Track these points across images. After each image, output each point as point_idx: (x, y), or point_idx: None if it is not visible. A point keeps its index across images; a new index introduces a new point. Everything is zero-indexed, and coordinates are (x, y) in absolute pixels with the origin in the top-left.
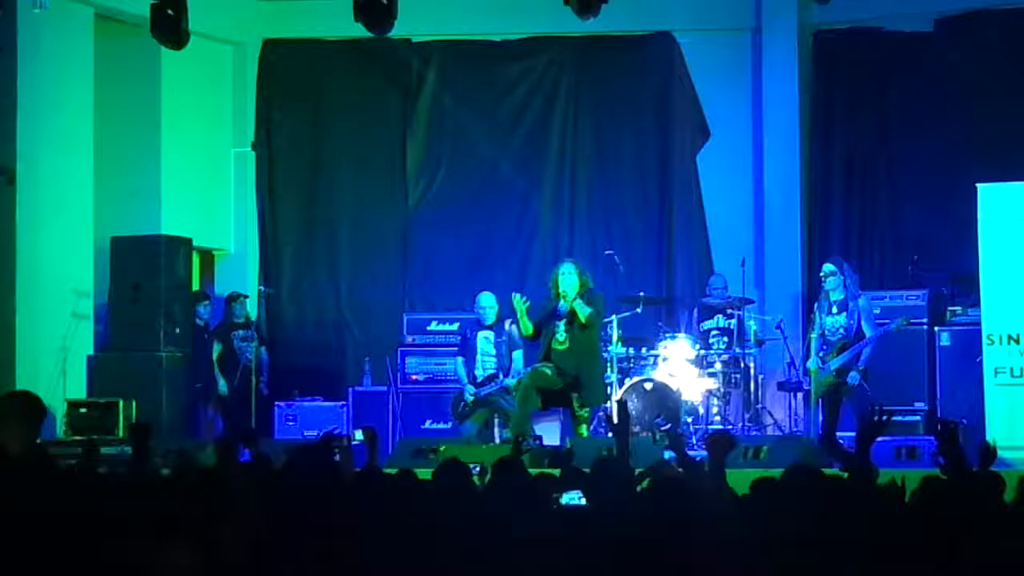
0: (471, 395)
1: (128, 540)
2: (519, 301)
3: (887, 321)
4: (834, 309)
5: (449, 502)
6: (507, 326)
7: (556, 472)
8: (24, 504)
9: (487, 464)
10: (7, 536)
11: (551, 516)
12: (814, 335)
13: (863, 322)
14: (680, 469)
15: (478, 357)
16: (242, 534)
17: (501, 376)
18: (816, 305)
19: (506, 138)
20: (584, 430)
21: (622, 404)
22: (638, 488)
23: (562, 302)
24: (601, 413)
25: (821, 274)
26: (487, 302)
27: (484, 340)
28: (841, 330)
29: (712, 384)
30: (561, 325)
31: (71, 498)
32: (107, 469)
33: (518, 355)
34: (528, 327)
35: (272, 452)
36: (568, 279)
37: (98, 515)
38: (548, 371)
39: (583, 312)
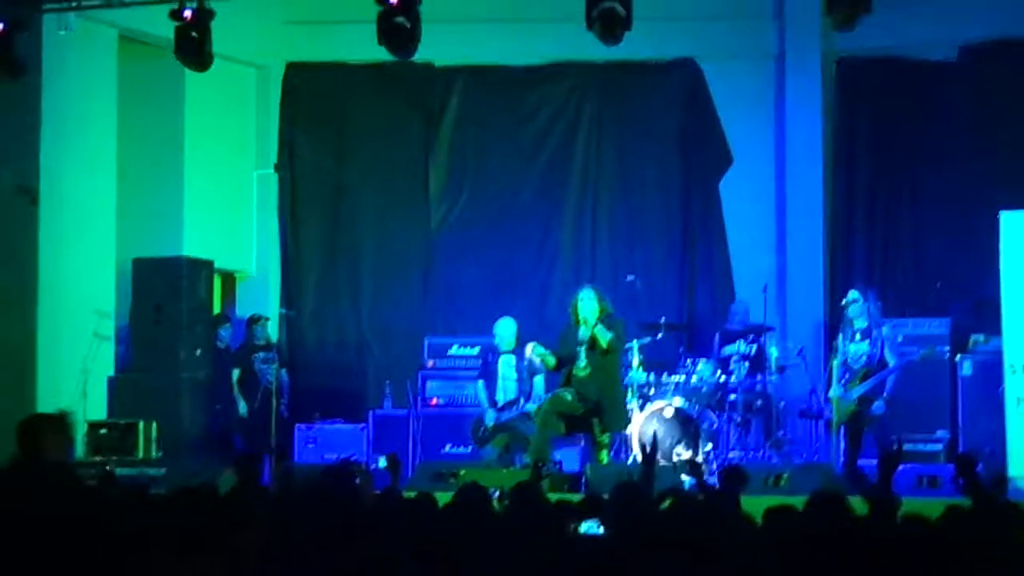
0: (492, 420)
1: (151, 554)
2: (536, 351)
3: (914, 349)
4: (857, 336)
5: (468, 526)
6: (528, 351)
7: (574, 497)
8: (49, 514)
9: (507, 489)
10: (31, 545)
11: (568, 543)
12: (836, 362)
13: (886, 351)
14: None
15: (499, 381)
16: (261, 553)
17: (522, 401)
18: (839, 332)
19: (528, 163)
20: (605, 456)
21: (652, 436)
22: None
23: (583, 328)
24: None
25: (844, 301)
26: (504, 331)
27: (505, 364)
28: (864, 358)
29: (732, 411)
30: (582, 351)
31: (96, 511)
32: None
33: (539, 380)
34: (552, 362)
35: (292, 474)
36: (588, 304)
37: (120, 529)
38: (569, 396)
39: (604, 338)
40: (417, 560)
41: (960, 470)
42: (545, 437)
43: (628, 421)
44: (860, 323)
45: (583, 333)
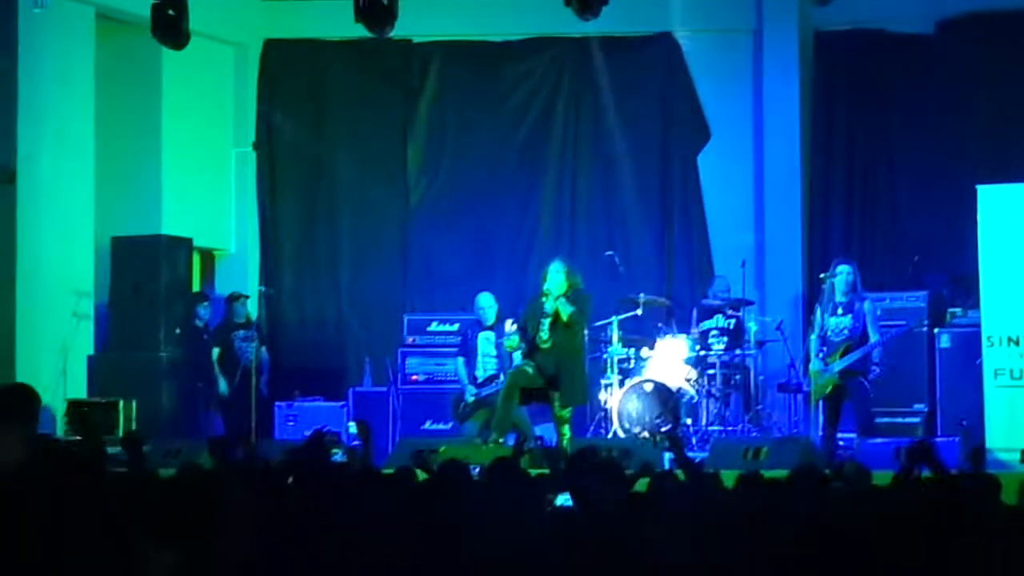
0: (472, 395)
1: (125, 538)
2: (509, 343)
3: (901, 323)
4: (839, 311)
5: (448, 502)
6: (508, 326)
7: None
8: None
9: (487, 464)
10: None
11: (544, 517)
12: (814, 336)
13: (868, 325)
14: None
15: (479, 358)
16: (236, 536)
17: (502, 377)
18: (818, 305)
19: (506, 139)
20: (566, 430)
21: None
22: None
23: (547, 300)
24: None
25: (829, 273)
26: (485, 302)
27: (485, 341)
28: (845, 331)
29: (711, 385)
30: (546, 323)
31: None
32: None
33: (518, 357)
34: (515, 343)
35: (272, 452)
36: (555, 278)
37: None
38: (530, 370)
39: (565, 311)
40: (395, 534)
41: (916, 461)
42: (508, 411)
43: (588, 397)
44: (841, 296)
45: (548, 306)
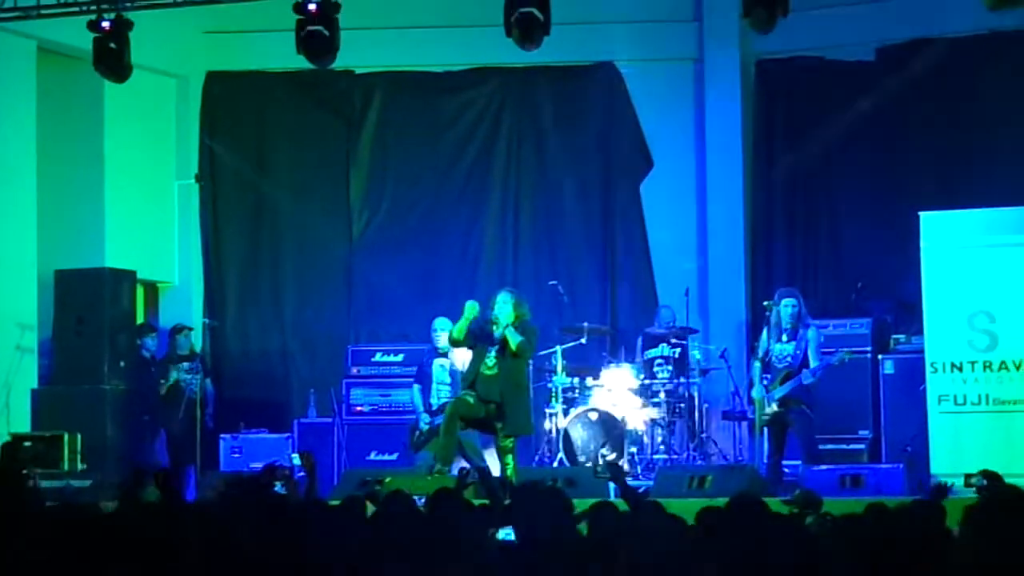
0: (426, 424)
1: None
2: (473, 309)
3: (833, 350)
4: (784, 337)
5: (392, 533)
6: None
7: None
8: None
9: (430, 495)
10: None
11: (486, 551)
12: (757, 362)
13: (810, 352)
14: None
15: (433, 386)
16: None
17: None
18: (765, 331)
19: (449, 169)
20: (510, 460)
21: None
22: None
23: (496, 329)
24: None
25: (772, 302)
26: (441, 326)
27: (439, 368)
28: (788, 358)
29: (656, 414)
30: (492, 351)
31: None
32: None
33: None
34: (461, 331)
35: (214, 484)
36: (503, 308)
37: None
38: (471, 399)
39: (514, 340)
40: (344, 566)
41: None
42: (450, 441)
43: (531, 427)
44: (787, 323)
45: (497, 334)
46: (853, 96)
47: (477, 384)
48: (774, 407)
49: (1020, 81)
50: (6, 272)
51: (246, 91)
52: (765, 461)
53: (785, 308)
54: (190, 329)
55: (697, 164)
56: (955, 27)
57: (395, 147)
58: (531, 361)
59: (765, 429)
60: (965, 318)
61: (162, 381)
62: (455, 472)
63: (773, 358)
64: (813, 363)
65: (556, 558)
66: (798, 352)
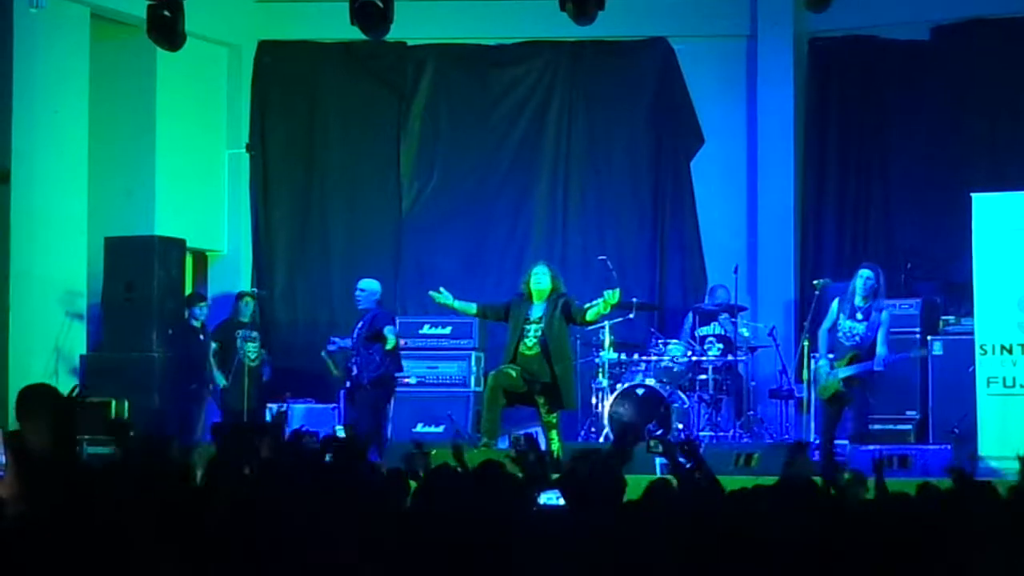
0: None
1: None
2: (442, 298)
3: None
4: (858, 315)
5: (440, 504)
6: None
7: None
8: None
9: (475, 468)
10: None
11: (531, 517)
12: (823, 328)
13: (879, 336)
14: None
15: None
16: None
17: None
18: (838, 303)
19: (500, 143)
20: (554, 435)
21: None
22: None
23: (535, 305)
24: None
25: (823, 281)
26: None
27: None
28: (857, 337)
29: (703, 391)
30: (531, 329)
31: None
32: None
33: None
34: (470, 309)
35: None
36: (541, 279)
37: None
38: (513, 373)
39: (594, 312)
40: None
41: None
42: (495, 414)
43: (575, 402)
44: (860, 300)
45: (534, 311)
46: (906, 75)
47: (518, 362)
48: (838, 385)
49: None
50: (57, 239)
51: (298, 61)
52: (813, 439)
53: (859, 279)
54: (252, 296)
55: (748, 141)
56: (1011, 8)
57: (446, 120)
58: (577, 336)
59: (819, 404)
60: (1015, 300)
61: (214, 344)
62: (501, 445)
63: (841, 334)
64: (881, 349)
65: (605, 525)
66: (869, 333)
